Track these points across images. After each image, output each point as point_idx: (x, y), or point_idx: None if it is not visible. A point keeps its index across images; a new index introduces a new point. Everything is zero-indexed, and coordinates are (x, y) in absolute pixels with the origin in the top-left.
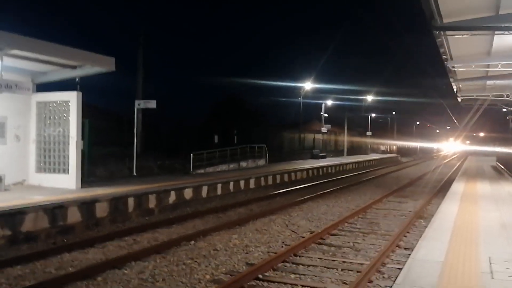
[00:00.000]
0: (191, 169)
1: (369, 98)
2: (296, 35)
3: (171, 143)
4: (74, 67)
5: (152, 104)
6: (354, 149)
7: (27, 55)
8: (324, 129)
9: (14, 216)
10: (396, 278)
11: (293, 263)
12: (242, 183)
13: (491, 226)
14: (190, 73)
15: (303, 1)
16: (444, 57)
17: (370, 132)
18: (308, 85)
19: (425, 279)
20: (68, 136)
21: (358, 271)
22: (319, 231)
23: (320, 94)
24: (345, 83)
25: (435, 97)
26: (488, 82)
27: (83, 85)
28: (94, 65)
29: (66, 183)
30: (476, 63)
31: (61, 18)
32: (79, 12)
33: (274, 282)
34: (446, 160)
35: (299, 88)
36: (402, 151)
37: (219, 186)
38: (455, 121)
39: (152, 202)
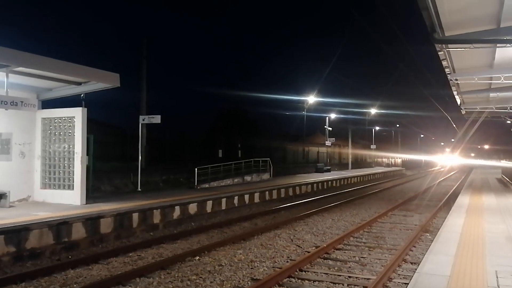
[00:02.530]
0: (196, 184)
1: (373, 111)
2: (299, 47)
3: (175, 157)
4: (79, 84)
5: (157, 119)
6: (358, 163)
7: (32, 72)
8: (328, 143)
9: (18, 232)
10: None
11: (298, 278)
12: (246, 197)
13: (497, 239)
14: (193, 84)
15: (307, 13)
16: (446, 70)
17: (375, 145)
18: (311, 99)
19: None
20: (73, 152)
21: (364, 286)
22: (325, 245)
23: (323, 107)
24: (349, 96)
25: (438, 109)
26: (492, 95)
27: (86, 100)
28: (99, 81)
29: (71, 199)
30: (478, 75)
31: (64, 30)
32: (83, 25)
33: None
34: (451, 174)
35: (303, 101)
36: (406, 164)
37: (224, 200)
38: (460, 133)
39: (156, 217)
